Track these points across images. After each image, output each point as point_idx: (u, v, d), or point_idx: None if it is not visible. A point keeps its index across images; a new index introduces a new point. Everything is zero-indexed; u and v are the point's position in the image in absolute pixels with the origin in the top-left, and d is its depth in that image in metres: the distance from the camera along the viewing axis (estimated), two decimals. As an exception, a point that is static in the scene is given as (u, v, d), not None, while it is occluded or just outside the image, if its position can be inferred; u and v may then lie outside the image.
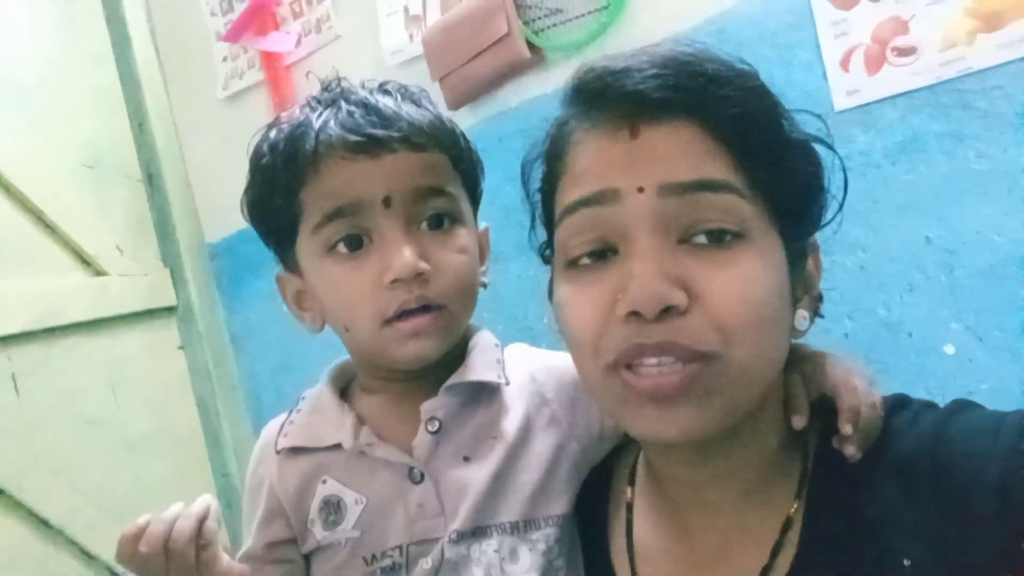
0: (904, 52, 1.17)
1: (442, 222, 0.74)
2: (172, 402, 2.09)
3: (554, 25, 1.51)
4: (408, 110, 0.73)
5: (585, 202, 0.61)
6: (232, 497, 2.10)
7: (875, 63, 1.19)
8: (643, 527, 0.75)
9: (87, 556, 1.79)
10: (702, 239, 0.58)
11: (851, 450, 0.63)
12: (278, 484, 0.77)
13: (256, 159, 0.77)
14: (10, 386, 1.75)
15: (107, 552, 1.80)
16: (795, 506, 0.66)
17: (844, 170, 0.66)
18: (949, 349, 1.18)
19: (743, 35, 1.30)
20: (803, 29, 1.26)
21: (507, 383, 0.78)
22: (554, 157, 0.67)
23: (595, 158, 0.62)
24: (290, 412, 0.82)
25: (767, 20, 1.29)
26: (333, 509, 0.75)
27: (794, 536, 0.65)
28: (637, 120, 0.60)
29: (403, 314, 0.72)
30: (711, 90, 0.59)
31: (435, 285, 0.72)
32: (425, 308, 0.72)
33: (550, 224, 0.69)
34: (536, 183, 0.71)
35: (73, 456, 1.81)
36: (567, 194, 0.63)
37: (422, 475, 0.74)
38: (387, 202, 0.71)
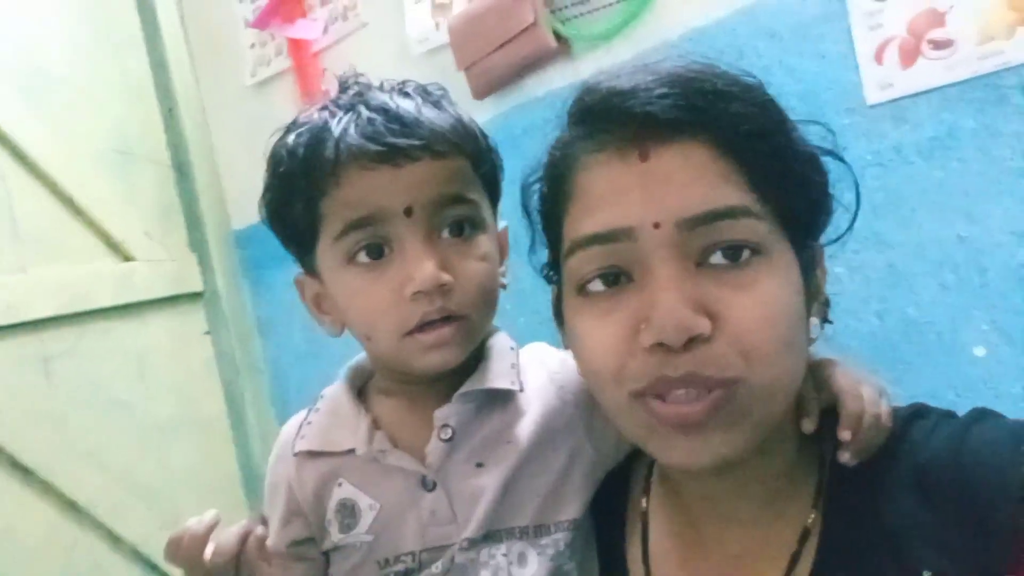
0: (940, 45, 1.14)
1: (463, 229, 0.73)
2: (198, 387, 2.12)
3: (580, 15, 1.49)
4: (429, 115, 0.72)
5: (598, 239, 0.60)
6: (255, 482, 2.12)
7: (910, 56, 1.16)
8: (659, 536, 0.75)
9: (114, 538, 1.82)
10: (719, 258, 0.58)
11: (846, 456, 0.62)
12: (296, 485, 0.78)
13: (275, 164, 0.75)
14: (41, 369, 1.78)
15: (134, 534, 1.84)
16: (812, 516, 0.65)
17: (856, 185, 0.66)
18: (979, 351, 1.16)
19: (774, 26, 1.28)
20: (836, 20, 1.23)
21: (521, 389, 0.77)
22: (558, 180, 0.65)
23: (605, 187, 0.60)
24: (309, 411, 0.82)
25: (799, 11, 1.26)
26: (348, 512, 0.75)
27: (812, 546, 0.64)
28: (647, 142, 0.58)
29: (424, 325, 0.71)
30: (721, 107, 0.58)
31: (457, 295, 0.71)
32: (447, 318, 0.71)
33: (554, 246, 0.68)
34: (536, 203, 0.70)
35: (101, 439, 1.84)
36: (578, 225, 0.62)
37: (434, 483, 0.74)
38: (408, 212, 0.70)
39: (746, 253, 0.57)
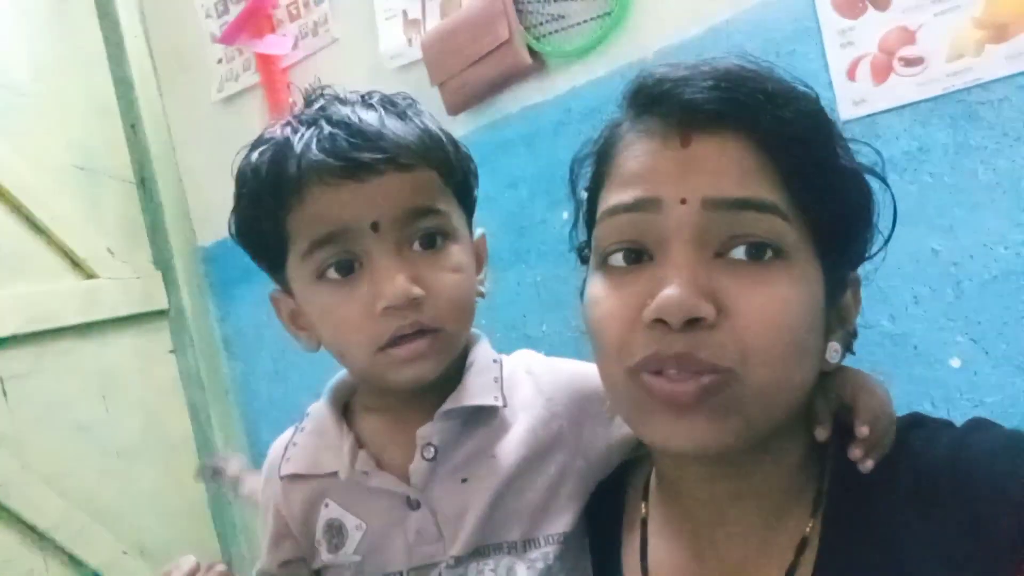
0: (911, 62, 1.16)
1: (434, 241, 0.72)
2: (163, 408, 2.08)
3: (556, 31, 1.49)
4: (393, 126, 0.70)
5: (626, 207, 0.61)
6: (223, 505, 2.08)
7: (882, 73, 1.18)
8: (658, 544, 0.74)
9: (76, 563, 1.77)
10: (740, 253, 0.58)
11: (859, 453, 0.62)
12: (284, 507, 0.77)
13: (240, 182, 0.74)
14: (-1, 390, 1.73)
15: (97, 560, 1.79)
16: (811, 525, 0.65)
17: (895, 208, 0.67)
18: (955, 362, 1.17)
19: (748, 44, 1.29)
20: (809, 38, 1.24)
21: (504, 404, 0.76)
22: (603, 158, 0.66)
23: (642, 163, 0.61)
24: (295, 431, 0.81)
25: (773, 29, 1.27)
26: (335, 532, 0.74)
27: (811, 556, 0.64)
28: (689, 129, 0.59)
29: (398, 339, 0.70)
30: (767, 108, 0.58)
31: (430, 309, 0.70)
32: (420, 332, 0.70)
33: (592, 223, 0.68)
34: (584, 182, 0.70)
35: (63, 462, 1.80)
36: (610, 196, 0.63)
37: (419, 502, 0.73)
38: (375, 227, 0.68)
39: (768, 253, 0.58)
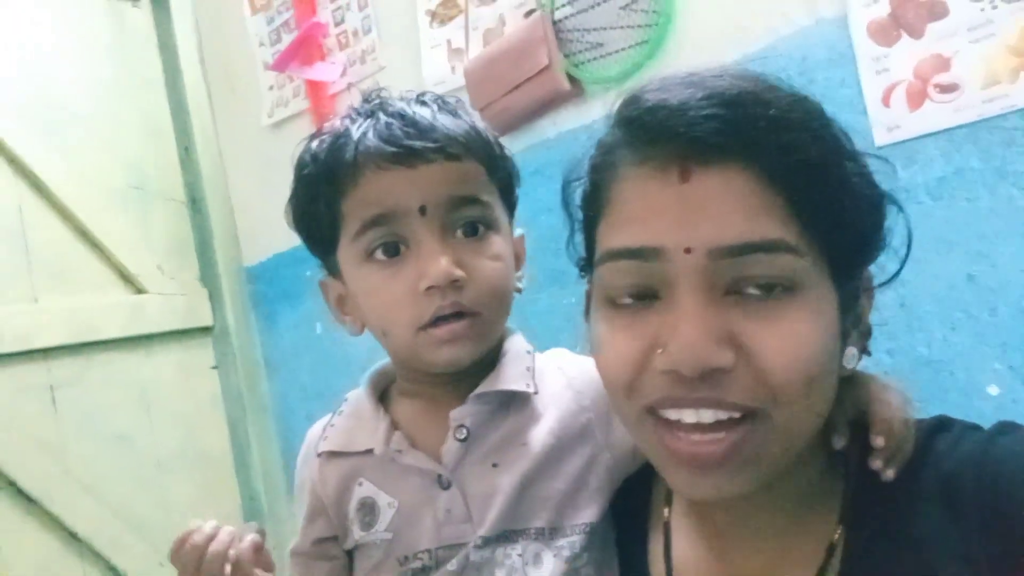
0: (946, 89, 1.16)
1: (476, 229, 0.75)
2: (203, 422, 2.12)
3: (594, 59, 1.53)
4: (444, 121, 0.74)
5: (629, 253, 0.58)
6: (259, 519, 2.10)
7: (917, 99, 1.19)
8: (682, 547, 0.74)
9: (113, 571, 1.80)
10: (751, 290, 0.56)
11: (879, 464, 0.61)
12: (319, 485, 0.80)
13: (299, 169, 0.79)
14: (48, 398, 1.79)
15: (132, 568, 1.81)
16: (838, 531, 0.64)
17: (909, 228, 0.65)
18: (993, 389, 1.15)
19: (784, 71, 1.30)
20: (844, 65, 1.25)
21: (536, 392, 0.78)
22: (597, 185, 0.64)
23: (641, 203, 0.58)
24: (333, 414, 0.84)
25: (808, 57, 1.29)
26: (368, 511, 0.76)
27: (837, 560, 0.63)
28: (688, 163, 0.55)
29: (438, 320, 0.73)
30: (771, 135, 0.54)
31: (470, 292, 0.73)
32: (459, 314, 0.73)
33: (589, 245, 0.67)
34: (576, 201, 0.69)
35: (103, 471, 1.84)
36: (610, 236, 0.61)
37: (450, 482, 0.75)
38: (422, 211, 0.72)
39: (778, 290, 0.56)
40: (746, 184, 0.55)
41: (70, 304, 1.86)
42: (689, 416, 0.57)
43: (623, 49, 1.49)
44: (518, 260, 0.83)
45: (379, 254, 0.74)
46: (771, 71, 1.36)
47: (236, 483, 2.14)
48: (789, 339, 0.55)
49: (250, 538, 0.76)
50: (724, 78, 0.57)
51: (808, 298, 0.56)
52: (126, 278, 2.00)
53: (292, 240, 2.23)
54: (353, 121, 0.75)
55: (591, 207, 0.65)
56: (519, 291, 0.81)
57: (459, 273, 0.72)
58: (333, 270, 0.81)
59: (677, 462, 0.59)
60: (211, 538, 0.75)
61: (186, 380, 2.09)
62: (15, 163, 1.82)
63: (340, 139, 0.74)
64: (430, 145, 0.72)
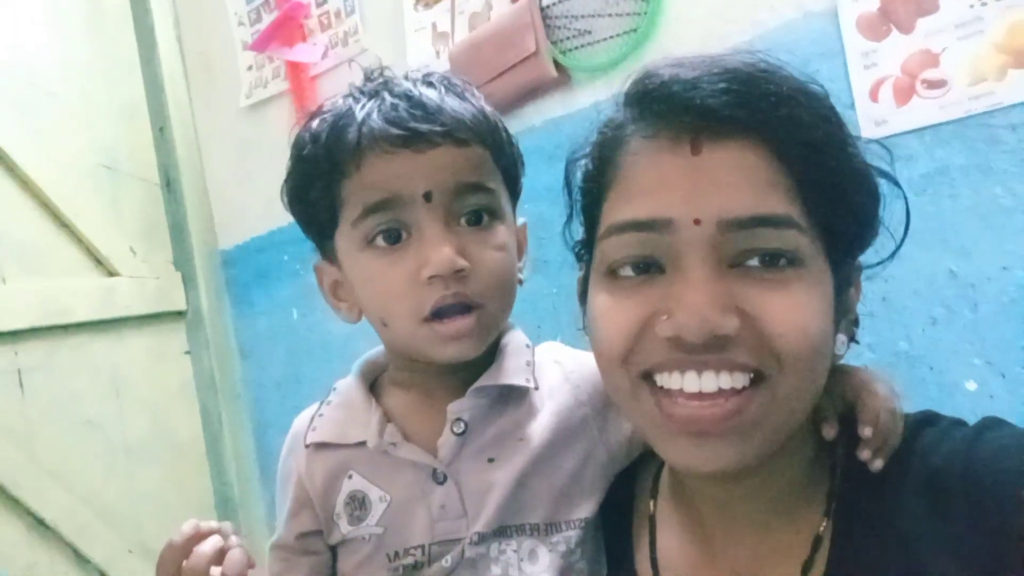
0: (934, 85, 1.17)
1: (481, 218, 0.73)
2: (174, 408, 2.08)
3: (582, 46, 1.52)
4: (451, 103, 0.72)
5: (636, 225, 0.59)
6: (230, 508, 2.07)
7: (904, 95, 1.19)
8: (667, 540, 0.74)
9: (81, 559, 1.76)
10: (755, 262, 0.57)
11: (867, 454, 0.62)
12: (306, 477, 0.77)
13: (298, 148, 0.76)
14: (15, 382, 1.74)
15: (100, 555, 1.78)
16: (824, 524, 0.65)
17: (907, 205, 0.66)
18: (971, 385, 1.17)
19: (772, 63, 1.31)
20: (832, 59, 1.26)
21: (536, 387, 0.77)
22: (605, 161, 0.64)
23: (652, 175, 0.59)
24: (321, 404, 0.82)
25: (797, 49, 1.29)
26: (358, 505, 0.74)
27: (823, 554, 0.64)
28: (700, 135, 0.57)
29: (442, 313, 0.71)
30: (781, 112, 0.56)
31: (473, 283, 0.71)
32: (464, 308, 0.71)
33: (590, 227, 0.67)
34: (579, 180, 0.69)
35: (72, 457, 1.80)
36: (617, 209, 0.61)
37: (445, 476, 0.73)
38: (427, 197, 0.70)
39: (783, 261, 0.57)
40: (756, 159, 0.56)
41: (39, 286, 1.81)
42: (691, 383, 0.57)
43: (611, 37, 1.48)
44: (520, 250, 0.81)
45: (380, 240, 0.72)
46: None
47: (208, 470, 2.11)
48: (793, 307, 0.56)
49: (237, 552, 0.72)
50: (736, 58, 0.58)
51: (808, 273, 0.57)
52: (97, 260, 1.95)
53: (269, 224, 2.21)
54: (356, 101, 0.72)
55: (595, 184, 0.65)
56: (520, 282, 0.79)
57: (463, 263, 0.69)
58: (328, 254, 0.78)
59: (675, 430, 0.59)
60: (190, 541, 0.72)
61: (158, 365, 2.05)
62: (-15, 141, 1.77)
63: (343, 119, 0.71)
64: (437, 129, 0.69)
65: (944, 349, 1.19)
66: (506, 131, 0.78)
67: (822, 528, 0.64)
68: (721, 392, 0.57)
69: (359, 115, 0.70)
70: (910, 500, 0.61)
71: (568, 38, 1.53)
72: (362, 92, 0.74)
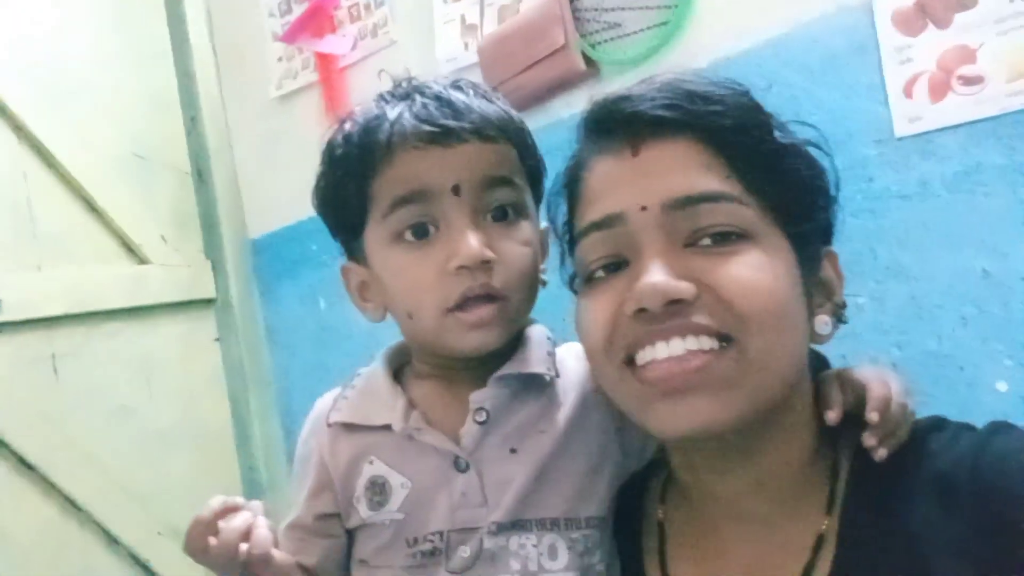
0: (970, 81, 1.15)
1: (507, 214, 0.75)
2: (204, 394, 2.11)
3: (611, 39, 1.51)
4: (480, 104, 0.75)
5: (595, 226, 0.65)
6: (258, 493, 2.10)
7: (939, 91, 1.18)
8: (677, 546, 0.75)
9: (111, 540, 1.80)
10: (707, 241, 0.62)
11: (873, 440, 0.63)
12: (329, 457, 0.78)
13: (330, 150, 0.78)
14: (50, 367, 1.78)
15: (130, 537, 1.82)
16: (826, 522, 0.65)
17: (836, 172, 0.70)
18: (1002, 386, 1.15)
19: (805, 57, 1.29)
20: (867, 54, 1.24)
21: (557, 375, 0.78)
22: (573, 186, 0.71)
23: (602, 181, 0.67)
24: (344, 387, 0.83)
25: (830, 43, 1.27)
26: (379, 490, 0.75)
27: (828, 553, 0.64)
28: (637, 140, 0.64)
29: (466, 303, 0.72)
30: (704, 106, 0.64)
31: (500, 275, 0.73)
32: (489, 298, 0.73)
33: (572, 250, 0.72)
34: (562, 217, 0.74)
35: (104, 441, 1.84)
36: (582, 218, 0.68)
37: (467, 464, 0.74)
38: (456, 190, 0.72)
39: (733, 237, 0.62)
40: (689, 150, 0.63)
41: (73, 274, 1.85)
42: (661, 350, 0.61)
43: (641, 30, 1.47)
44: (542, 252, 0.82)
45: (408, 235, 0.74)
46: (792, 56, 1.36)
47: (236, 456, 2.14)
48: (745, 271, 0.60)
49: (264, 530, 0.73)
50: (669, 74, 0.67)
51: (762, 244, 0.62)
52: (129, 249, 1.98)
53: (298, 214, 2.23)
54: (388, 103, 0.75)
55: (570, 209, 0.72)
56: (543, 283, 0.81)
57: (490, 254, 0.71)
58: (356, 255, 0.80)
59: (653, 396, 0.62)
60: (219, 515, 0.73)
61: (188, 352, 2.08)
62: (21, 131, 1.80)
63: (375, 120, 0.74)
64: (466, 126, 0.72)
65: (975, 349, 1.18)
66: (530, 135, 0.81)
67: (824, 526, 0.65)
68: (689, 353, 0.60)
69: (391, 115, 0.73)
70: (918, 502, 0.62)
71: (597, 31, 1.52)
72: (393, 95, 0.76)
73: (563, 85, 1.57)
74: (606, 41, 1.51)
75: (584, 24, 1.53)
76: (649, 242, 0.62)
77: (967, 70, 1.16)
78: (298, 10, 2.00)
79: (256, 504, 0.77)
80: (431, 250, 0.73)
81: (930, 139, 1.19)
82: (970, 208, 1.17)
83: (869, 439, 0.63)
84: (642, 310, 0.60)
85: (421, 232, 0.73)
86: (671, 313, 0.59)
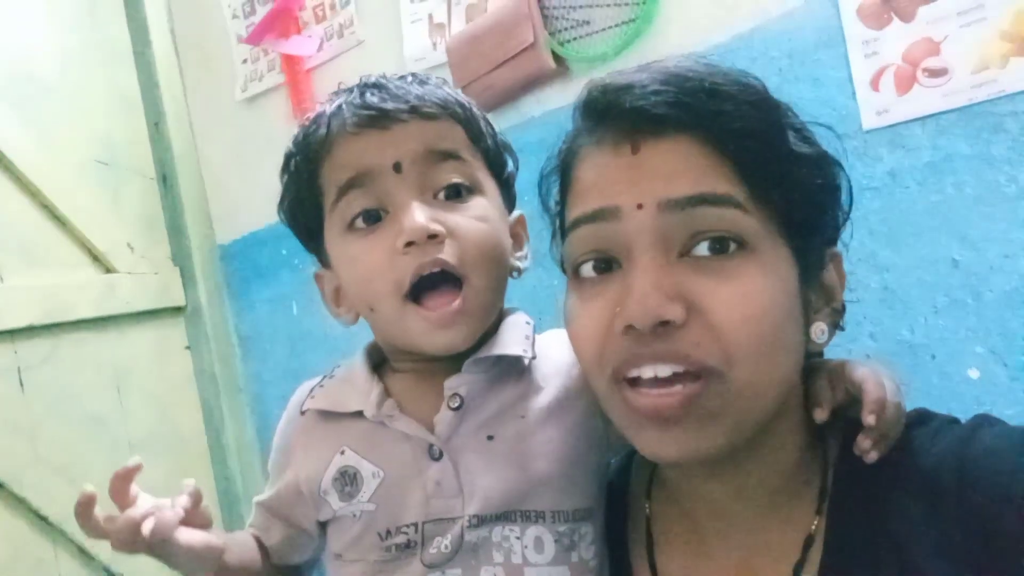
0: (936, 73, 1.16)
1: (459, 192, 0.73)
2: (176, 403, 2.08)
3: (580, 37, 1.51)
4: (421, 89, 0.74)
5: (587, 219, 0.62)
6: (233, 501, 2.08)
7: (906, 83, 1.19)
8: (664, 543, 0.74)
9: (85, 555, 1.77)
10: (703, 250, 0.59)
11: (867, 444, 0.62)
12: (300, 448, 0.78)
13: (286, 157, 0.78)
14: (15, 380, 1.74)
15: (105, 552, 1.78)
16: (816, 522, 0.65)
17: (850, 184, 0.67)
18: (973, 373, 1.17)
19: (772, 52, 1.30)
20: (833, 48, 1.25)
21: (534, 357, 0.76)
22: (565, 171, 0.68)
23: (597, 174, 0.63)
24: (323, 377, 0.82)
25: (797, 38, 1.28)
26: (349, 480, 0.73)
27: (816, 553, 0.64)
28: (638, 136, 0.60)
29: (423, 286, 0.70)
30: (712, 105, 0.59)
31: (452, 249, 0.70)
32: (445, 278, 0.70)
33: (563, 236, 0.69)
34: (554, 196, 0.71)
35: (75, 453, 1.80)
36: (572, 209, 0.64)
37: (441, 452, 0.72)
38: (397, 168, 0.71)
39: (732, 246, 0.58)
40: (692, 150, 0.59)
41: (38, 283, 1.80)
42: (647, 372, 0.59)
43: (610, 28, 1.47)
44: (519, 240, 0.81)
45: (359, 222, 0.72)
46: (759, 52, 1.36)
47: (210, 464, 2.11)
48: (740, 296, 0.57)
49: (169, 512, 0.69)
50: (671, 61, 0.63)
51: (761, 259, 0.59)
52: (95, 256, 1.94)
53: (267, 218, 2.19)
54: (332, 101, 0.75)
55: (560, 195, 0.69)
56: (519, 271, 0.80)
57: (437, 227, 0.69)
58: (325, 260, 0.79)
59: (641, 421, 0.60)
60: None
61: (159, 360, 2.05)
62: (-21, 137, 1.75)
63: (317, 118, 0.74)
64: (402, 106, 0.70)
65: (947, 338, 1.19)
66: (485, 120, 0.79)
67: (814, 527, 0.65)
68: (676, 376, 0.58)
69: (330, 109, 0.73)
70: (904, 500, 0.61)
71: (566, 29, 1.52)
72: (337, 94, 0.76)
73: (533, 83, 1.56)
74: (575, 39, 1.51)
75: (552, 22, 1.52)
76: (642, 248, 0.59)
77: (932, 62, 1.17)
78: (262, 11, 1.98)
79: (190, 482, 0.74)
80: (382, 234, 0.71)
81: (898, 131, 1.21)
82: (939, 199, 1.18)
83: (863, 442, 0.62)
84: (632, 327, 0.58)
85: (373, 218, 0.72)
86: (659, 335, 0.57)
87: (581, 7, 1.49)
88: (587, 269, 0.63)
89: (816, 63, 1.27)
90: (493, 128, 0.80)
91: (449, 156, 0.73)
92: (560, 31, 1.52)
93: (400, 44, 1.76)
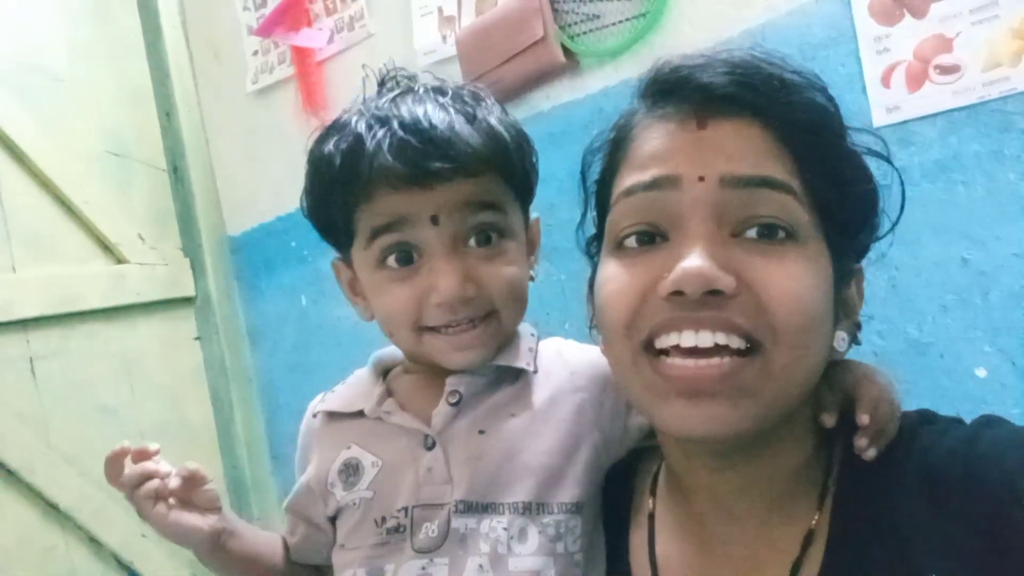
0: (947, 70, 1.16)
1: (490, 238, 0.74)
2: (186, 393, 2.10)
3: (590, 31, 1.50)
4: (462, 130, 0.71)
5: (645, 186, 0.62)
6: (242, 490, 2.09)
7: (917, 80, 1.18)
8: (665, 538, 0.74)
9: (95, 543, 1.79)
10: (753, 234, 0.59)
11: (864, 442, 0.62)
12: (311, 448, 0.83)
13: (313, 167, 0.77)
14: (27, 369, 1.76)
15: (114, 539, 1.80)
16: (816, 518, 0.65)
17: (903, 188, 0.67)
18: (981, 372, 1.17)
19: (783, 48, 1.28)
20: (844, 44, 1.24)
21: (535, 371, 0.79)
22: (617, 145, 0.67)
23: (659, 144, 0.62)
24: (338, 384, 0.86)
25: (808, 33, 1.28)
26: (352, 471, 0.77)
27: (819, 549, 0.64)
28: (705, 112, 0.60)
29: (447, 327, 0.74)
30: (781, 94, 0.59)
31: (482, 301, 0.73)
32: (471, 322, 0.74)
33: (603, 212, 0.69)
34: (594, 175, 0.71)
35: (85, 443, 1.81)
36: (627, 178, 0.64)
37: (434, 442, 0.75)
38: (435, 220, 0.72)
39: (781, 234, 0.59)
40: (756, 134, 0.60)
41: (49, 274, 1.82)
42: (688, 338, 0.58)
43: (620, 22, 1.47)
44: (532, 246, 0.82)
45: (391, 261, 0.74)
46: (770, 47, 1.35)
47: (219, 454, 2.13)
48: (790, 279, 0.58)
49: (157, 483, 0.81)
50: (738, 50, 0.63)
51: (805, 248, 0.59)
52: (106, 247, 1.95)
53: (277, 210, 2.20)
54: (368, 127, 0.71)
55: (610, 166, 0.68)
56: (531, 279, 0.81)
57: (471, 291, 0.72)
58: (346, 259, 0.81)
59: (670, 392, 0.60)
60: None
61: (169, 351, 2.06)
62: (-8, 129, 1.77)
63: (355, 147, 0.71)
64: (447, 165, 0.69)
65: (955, 336, 1.19)
66: (517, 143, 0.77)
67: (814, 522, 0.65)
68: (717, 349, 0.58)
69: (370, 146, 0.70)
70: (908, 498, 0.61)
71: (576, 23, 1.51)
72: (374, 116, 0.72)
73: (543, 77, 1.56)
74: (585, 33, 1.51)
75: (563, 16, 1.52)
76: (697, 221, 0.59)
77: (944, 59, 1.16)
78: (273, 3, 1.98)
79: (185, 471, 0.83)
80: (414, 279, 0.73)
81: (908, 128, 1.20)
82: (949, 197, 1.18)
83: (860, 440, 0.63)
84: (679, 293, 0.57)
85: (405, 259, 0.74)
86: (706, 303, 0.57)
87: (591, 1, 1.49)
88: (631, 241, 0.63)
89: (826, 59, 1.27)
90: (523, 148, 0.78)
91: (485, 206, 0.73)
92: (570, 25, 1.52)
93: (410, 37, 1.77)
